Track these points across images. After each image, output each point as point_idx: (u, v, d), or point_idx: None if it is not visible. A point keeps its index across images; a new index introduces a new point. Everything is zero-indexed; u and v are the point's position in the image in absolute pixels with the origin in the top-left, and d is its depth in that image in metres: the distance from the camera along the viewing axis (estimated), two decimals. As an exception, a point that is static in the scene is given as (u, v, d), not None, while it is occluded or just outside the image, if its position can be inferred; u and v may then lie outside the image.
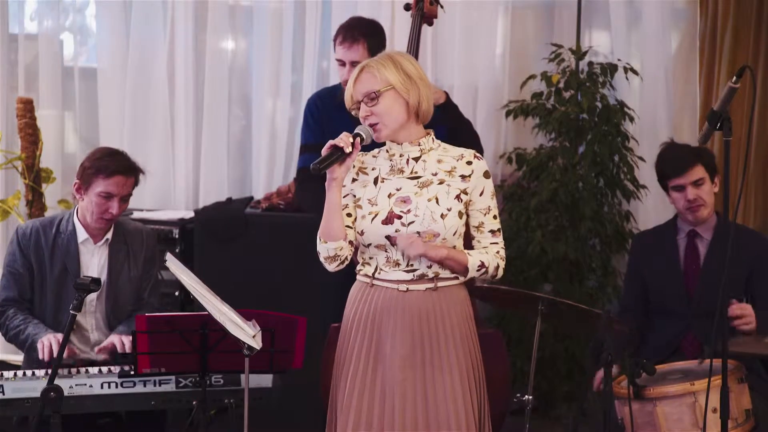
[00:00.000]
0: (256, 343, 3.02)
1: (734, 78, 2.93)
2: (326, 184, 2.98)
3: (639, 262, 3.99)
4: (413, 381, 2.99)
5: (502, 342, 3.93)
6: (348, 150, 2.94)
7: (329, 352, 3.99)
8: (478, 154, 3.05)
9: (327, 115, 4.19)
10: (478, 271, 3.02)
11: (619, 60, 4.92)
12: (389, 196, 3.01)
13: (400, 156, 3.05)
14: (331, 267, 3.06)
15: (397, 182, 3.03)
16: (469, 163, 3.02)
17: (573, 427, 3.68)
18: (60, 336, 3.57)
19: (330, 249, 3.01)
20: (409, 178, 3.02)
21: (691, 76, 5.08)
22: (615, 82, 4.96)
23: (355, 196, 3.05)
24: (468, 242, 3.12)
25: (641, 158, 4.95)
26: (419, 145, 3.04)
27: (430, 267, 2.99)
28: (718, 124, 2.97)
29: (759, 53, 4.86)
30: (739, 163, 4.72)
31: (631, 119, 4.94)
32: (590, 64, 4.92)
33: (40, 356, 3.54)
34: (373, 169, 3.07)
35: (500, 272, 3.08)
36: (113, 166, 3.68)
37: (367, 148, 3.07)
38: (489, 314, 4.91)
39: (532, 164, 4.93)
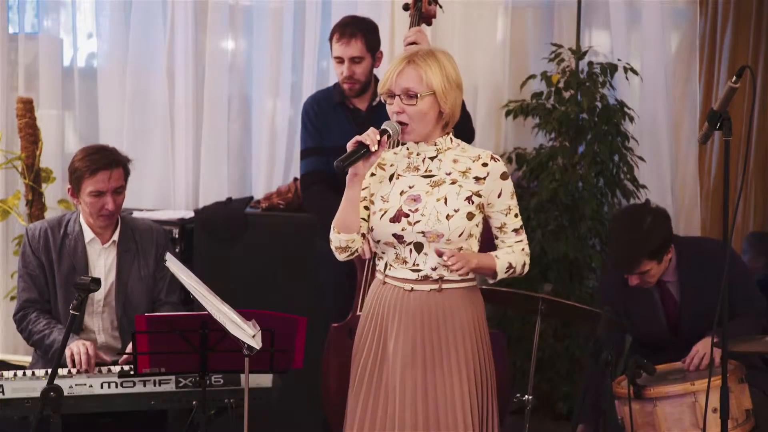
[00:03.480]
0: (256, 343, 3.02)
1: (734, 78, 2.93)
2: (347, 178, 2.96)
3: (618, 310, 3.82)
4: (413, 381, 2.98)
5: (504, 343, 3.94)
6: (374, 148, 2.91)
7: (330, 353, 4.00)
8: (495, 156, 3.03)
9: (324, 117, 4.20)
10: (506, 273, 3.03)
11: (619, 60, 4.92)
12: (401, 193, 3.01)
13: (417, 155, 3.04)
14: (341, 257, 3.07)
15: (411, 180, 3.02)
16: (485, 165, 3.00)
17: (573, 427, 3.66)
18: (89, 344, 3.58)
19: (342, 240, 3.02)
20: (423, 176, 3.02)
21: (691, 76, 5.08)
22: (615, 82, 4.96)
23: (371, 192, 3.05)
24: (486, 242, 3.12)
25: (641, 158, 4.95)
26: (435, 145, 3.02)
27: (434, 269, 2.98)
28: (718, 124, 2.97)
29: (759, 53, 4.87)
30: (739, 163, 4.73)
31: (631, 119, 4.94)
32: (590, 64, 4.92)
33: (76, 367, 3.53)
34: (391, 166, 3.07)
35: (527, 268, 3.09)
36: (95, 164, 3.67)
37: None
38: (489, 314, 4.86)
39: (532, 164, 4.93)
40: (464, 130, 4.13)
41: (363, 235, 3.05)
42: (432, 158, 3.03)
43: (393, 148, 3.13)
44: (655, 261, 3.66)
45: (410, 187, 3.01)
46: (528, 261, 3.09)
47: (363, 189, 3.04)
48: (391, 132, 2.96)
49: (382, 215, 2.99)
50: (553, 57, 4.92)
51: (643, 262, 3.64)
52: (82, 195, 3.70)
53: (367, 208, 3.04)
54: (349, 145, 2.93)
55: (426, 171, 3.02)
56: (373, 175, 3.07)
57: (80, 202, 3.74)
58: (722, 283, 3.00)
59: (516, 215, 3.05)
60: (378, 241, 3.03)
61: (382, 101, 3.03)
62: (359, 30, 4.11)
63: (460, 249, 2.97)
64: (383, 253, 3.05)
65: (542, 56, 5.03)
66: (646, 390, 3.37)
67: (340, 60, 4.11)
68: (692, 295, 3.71)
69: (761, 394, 3.56)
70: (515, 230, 3.05)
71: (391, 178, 3.05)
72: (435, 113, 2.97)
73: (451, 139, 3.06)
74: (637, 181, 4.90)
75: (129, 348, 3.61)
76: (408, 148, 3.06)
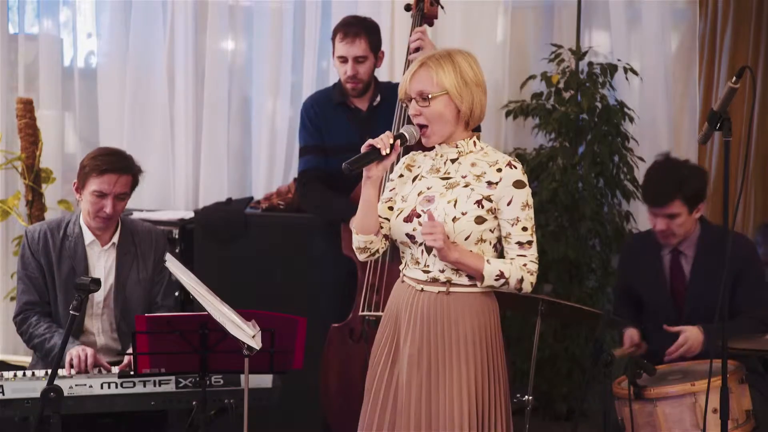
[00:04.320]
0: (256, 343, 3.02)
1: (734, 78, 2.92)
2: (362, 181, 2.98)
3: (627, 272, 3.97)
4: (418, 381, 2.98)
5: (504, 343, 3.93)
6: (385, 152, 2.92)
7: (329, 353, 4.01)
8: (514, 163, 2.97)
9: (324, 117, 4.21)
10: (496, 280, 2.94)
11: (618, 60, 4.92)
12: (419, 194, 3.01)
13: (441, 156, 3.05)
14: (361, 257, 3.10)
15: (430, 181, 3.03)
16: (499, 170, 2.96)
17: (573, 427, 3.67)
18: (88, 349, 3.58)
19: (360, 241, 3.04)
20: (441, 178, 3.02)
21: (691, 76, 5.08)
22: (615, 82, 4.96)
23: (397, 192, 3.07)
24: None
25: (641, 158, 4.95)
26: (456, 147, 3.02)
27: (442, 271, 2.97)
28: (718, 125, 2.97)
29: (759, 53, 4.86)
30: (739, 163, 4.72)
31: (631, 119, 4.93)
32: (590, 64, 4.92)
33: (74, 369, 3.53)
34: (418, 167, 3.08)
35: (526, 286, 2.98)
36: (105, 165, 3.68)
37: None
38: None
39: (532, 164, 4.93)
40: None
41: (386, 236, 3.05)
42: (453, 161, 3.03)
43: (420, 151, 3.12)
44: (686, 208, 3.69)
45: (428, 189, 3.01)
46: (530, 279, 2.97)
47: (391, 190, 3.07)
48: (407, 136, 2.98)
49: (398, 215, 3.01)
50: (553, 57, 4.92)
51: (676, 200, 3.66)
52: (85, 192, 3.71)
53: (391, 208, 3.06)
54: (363, 148, 2.94)
55: (445, 173, 3.02)
56: (401, 176, 3.09)
57: (81, 197, 3.75)
58: (724, 278, 3.01)
59: (525, 228, 2.95)
60: (395, 241, 3.05)
61: (403, 105, 3.04)
62: (363, 29, 4.12)
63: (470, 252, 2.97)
64: (403, 252, 3.07)
65: (542, 56, 5.02)
66: (646, 390, 3.37)
67: (343, 59, 4.12)
68: (702, 275, 3.71)
69: (761, 395, 3.56)
70: (519, 243, 2.96)
71: (414, 179, 3.06)
72: (452, 113, 2.97)
73: (474, 142, 3.04)
74: (637, 182, 4.89)
75: (129, 349, 3.62)
76: (435, 150, 3.07)
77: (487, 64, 5.13)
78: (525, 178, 2.97)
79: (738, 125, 4.75)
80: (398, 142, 2.95)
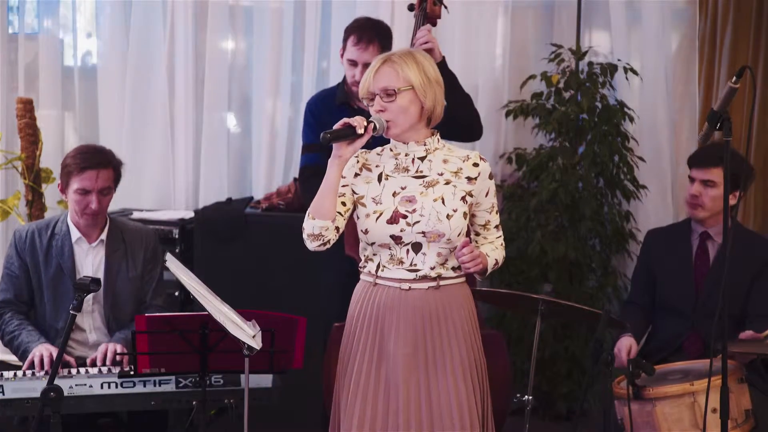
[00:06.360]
0: (256, 343, 3.02)
1: (734, 78, 2.93)
2: (330, 161, 2.98)
3: (650, 258, 4.00)
4: (416, 381, 2.99)
5: (503, 343, 3.94)
6: (360, 131, 2.93)
7: (332, 352, 4.00)
8: (483, 156, 3.08)
9: (328, 116, 4.19)
10: (493, 268, 3.14)
11: (619, 60, 4.92)
12: (394, 194, 3.01)
13: (406, 155, 3.05)
14: (312, 245, 3.03)
15: (402, 180, 3.03)
16: (475, 165, 3.04)
17: (573, 427, 3.67)
18: (53, 348, 3.59)
19: (316, 227, 2.98)
20: (414, 177, 3.02)
21: (691, 76, 5.08)
22: (615, 82, 4.96)
23: (355, 192, 3.05)
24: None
25: (641, 158, 4.95)
26: (425, 145, 3.04)
27: (433, 268, 2.99)
28: (718, 124, 2.97)
29: (759, 53, 4.86)
30: (739, 163, 4.72)
31: (631, 119, 4.93)
32: (590, 64, 4.92)
33: (36, 370, 3.54)
34: (377, 167, 3.07)
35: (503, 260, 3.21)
36: (84, 163, 3.71)
37: (372, 144, 3.08)
38: (489, 315, 4.91)
39: (532, 164, 4.93)
40: (473, 128, 4.15)
41: (337, 228, 3.03)
42: (422, 158, 3.04)
43: (365, 150, 3.13)
44: (722, 183, 3.68)
45: (402, 188, 3.01)
46: (504, 253, 3.21)
47: (344, 186, 3.05)
48: (377, 125, 2.99)
49: (378, 217, 2.99)
50: (553, 57, 4.92)
51: (716, 168, 3.73)
52: (69, 191, 3.74)
53: (344, 203, 3.04)
54: (338, 125, 2.96)
55: (417, 171, 3.03)
56: (357, 175, 3.07)
57: (67, 198, 3.77)
58: (723, 279, 3.01)
59: (497, 212, 3.15)
60: (372, 243, 3.02)
61: (365, 104, 3.05)
62: (376, 35, 4.10)
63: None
64: (374, 254, 3.05)
65: (542, 56, 5.02)
66: (645, 390, 3.37)
67: (353, 63, 4.10)
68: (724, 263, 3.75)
69: (761, 394, 3.56)
70: (496, 226, 3.16)
71: (380, 179, 3.05)
72: (416, 108, 2.99)
73: (438, 139, 3.08)
74: (637, 181, 4.90)
75: (118, 348, 3.62)
76: (392, 149, 3.08)
77: (487, 63, 5.19)
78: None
79: (738, 125, 4.75)
80: (372, 125, 2.97)
